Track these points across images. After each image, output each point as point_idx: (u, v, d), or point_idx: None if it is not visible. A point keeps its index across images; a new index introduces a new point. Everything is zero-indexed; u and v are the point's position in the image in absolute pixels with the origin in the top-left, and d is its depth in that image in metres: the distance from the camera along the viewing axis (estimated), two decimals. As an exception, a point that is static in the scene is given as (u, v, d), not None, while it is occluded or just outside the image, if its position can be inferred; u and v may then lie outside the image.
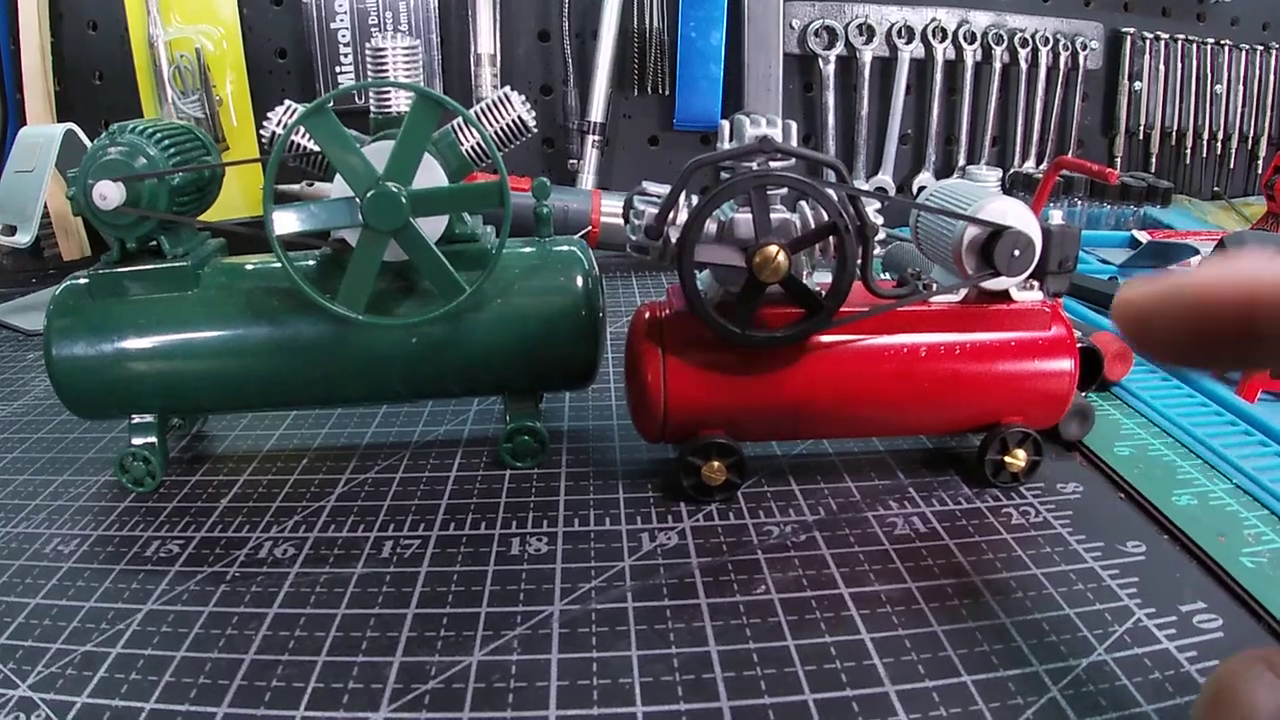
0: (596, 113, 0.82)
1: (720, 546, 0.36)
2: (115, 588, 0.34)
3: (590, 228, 0.74)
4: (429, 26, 0.79)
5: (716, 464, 0.38)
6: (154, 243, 0.41)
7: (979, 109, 0.91)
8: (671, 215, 0.37)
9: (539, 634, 0.31)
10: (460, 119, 0.39)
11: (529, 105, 0.40)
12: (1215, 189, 1.01)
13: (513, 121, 0.40)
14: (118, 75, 0.79)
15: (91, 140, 0.71)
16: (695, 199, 0.38)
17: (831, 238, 0.37)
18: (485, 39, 0.78)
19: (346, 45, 0.78)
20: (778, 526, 0.38)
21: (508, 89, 0.41)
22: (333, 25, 0.77)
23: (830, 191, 0.36)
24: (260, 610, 0.33)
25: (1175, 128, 0.98)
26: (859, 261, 0.37)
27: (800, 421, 0.40)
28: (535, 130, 0.40)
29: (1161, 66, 0.95)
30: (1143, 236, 0.84)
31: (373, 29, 0.78)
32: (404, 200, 0.36)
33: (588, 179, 0.83)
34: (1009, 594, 0.33)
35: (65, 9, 0.79)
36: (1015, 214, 0.39)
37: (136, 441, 0.41)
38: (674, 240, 0.37)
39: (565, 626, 0.32)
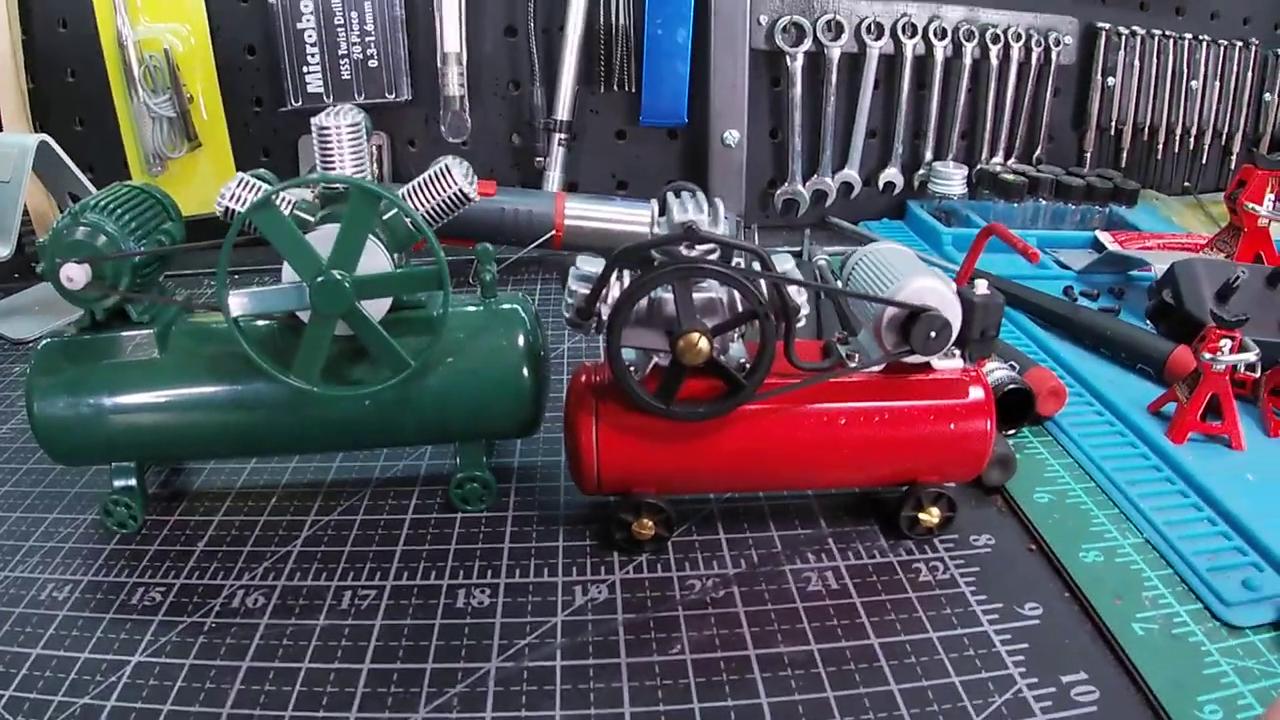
0: (563, 110, 0.83)
1: (645, 602, 0.40)
2: (106, 638, 0.38)
3: (554, 231, 0.75)
4: (395, 25, 0.79)
5: (646, 520, 0.42)
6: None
7: (948, 104, 0.90)
8: (604, 292, 0.40)
9: (476, 692, 0.35)
10: (409, 187, 0.41)
11: (469, 174, 0.42)
12: (1185, 184, 1.01)
13: (454, 195, 0.42)
14: (90, 73, 0.80)
15: (65, 150, 0.72)
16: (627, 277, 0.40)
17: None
18: (451, 37, 0.78)
19: (314, 45, 0.78)
20: (700, 580, 0.41)
21: (447, 160, 0.42)
22: (299, 25, 0.77)
23: (748, 281, 0.38)
24: (234, 663, 0.37)
25: (1148, 123, 0.97)
26: (778, 342, 0.39)
27: (727, 481, 0.43)
28: (476, 199, 0.42)
29: (1136, 62, 0.94)
30: (1105, 238, 0.85)
31: (339, 28, 0.78)
32: (348, 286, 0.38)
33: (555, 176, 0.84)
34: (902, 659, 0.35)
35: (35, 5, 0.79)
36: (936, 295, 0.40)
37: (118, 484, 0.45)
38: (604, 317, 0.40)
39: (500, 684, 0.35)
